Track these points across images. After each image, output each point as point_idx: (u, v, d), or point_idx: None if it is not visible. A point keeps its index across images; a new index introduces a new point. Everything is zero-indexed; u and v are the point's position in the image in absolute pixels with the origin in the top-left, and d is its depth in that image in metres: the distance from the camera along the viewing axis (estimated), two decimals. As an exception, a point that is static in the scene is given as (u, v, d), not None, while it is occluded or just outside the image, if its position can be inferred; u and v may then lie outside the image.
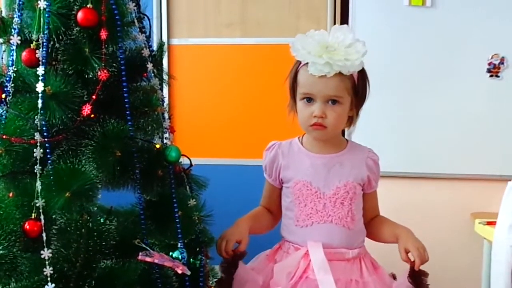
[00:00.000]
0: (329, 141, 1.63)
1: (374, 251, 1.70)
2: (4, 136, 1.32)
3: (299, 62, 1.58)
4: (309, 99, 1.55)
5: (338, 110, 1.55)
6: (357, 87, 1.57)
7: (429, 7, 2.88)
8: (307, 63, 1.53)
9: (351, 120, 1.63)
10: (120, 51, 1.38)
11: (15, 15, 1.38)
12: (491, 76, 2.89)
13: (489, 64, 2.89)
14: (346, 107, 1.57)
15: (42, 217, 1.28)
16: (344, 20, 2.93)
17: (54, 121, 1.33)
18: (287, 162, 1.65)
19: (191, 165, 1.60)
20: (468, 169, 2.97)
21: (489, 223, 2.59)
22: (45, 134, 1.32)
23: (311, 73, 1.51)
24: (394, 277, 1.66)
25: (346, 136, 1.89)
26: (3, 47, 1.46)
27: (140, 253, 1.37)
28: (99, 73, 1.34)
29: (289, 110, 1.65)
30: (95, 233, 1.29)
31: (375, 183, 1.68)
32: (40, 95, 1.30)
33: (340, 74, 1.51)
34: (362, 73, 1.58)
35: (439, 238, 2.88)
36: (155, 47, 1.61)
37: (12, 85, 1.38)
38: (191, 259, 1.52)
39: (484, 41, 2.88)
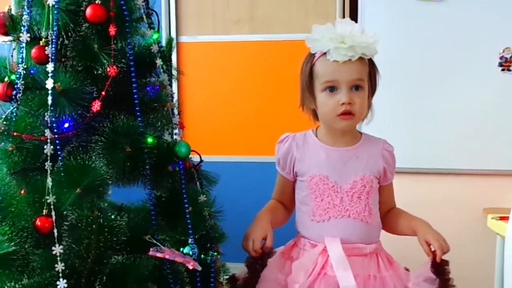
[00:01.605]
0: (345, 134, 1.62)
1: (386, 245, 1.69)
2: (15, 133, 1.32)
3: (313, 56, 1.57)
4: (332, 89, 1.53)
5: (362, 95, 1.54)
6: (370, 73, 1.57)
7: (439, 1, 2.85)
8: (323, 54, 1.52)
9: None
10: (129, 47, 1.38)
11: (24, 13, 1.39)
12: (502, 70, 2.87)
13: (501, 58, 2.86)
14: (367, 94, 1.56)
15: (53, 213, 1.29)
16: (353, 15, 2.92)
17: (64, 117, 1.33)
18: (301, 154, 1.63)
19: (201, 160, 1.59)
20: (481, 164, 2.95)
21: (501, 218, 2.57)
22: (55, 130, 1.32)
23: (334, 59, 1.50)
24: (407, 271, 1.65)
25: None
26: (13, 44, 1.46)
27: (151, 249, 1.37)
28: (108, 69, 1.34)
29: (303, 109, 1.63)
30: (106, 229, 1.29)
31: (391, 174, 1.66)
32: (50, 91, 1.31)
33: (360, 58, 1.51)
34: (372, 61, 1.58)
35: (451, 234, 2.83)
36: (163, 44, 1.61)
37: (22, 82, 1.38)
38: (202, 255, 1.52)
39: (496, 35, 2.85)
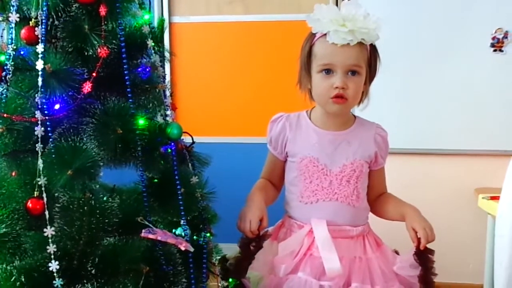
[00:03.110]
0: (339, 117, 1.61)
1: (376, 227, 1.70)
2: (5, 115, 1.31)
3: (313, 36, 1.55)
4: (328, 71, 1.52)
5: (357, 81, 1.53)
6: (370, 59, 1.56)
7: (432, -19, 2.85)
8: (324, 34, 1.51)
9: (362, 95, 1.61)
10: (120, 27, 1.37)
11: (13, -8, 1.37)
12: (494, 50, 2.87)
13: (493, 38, 2.87)
14: (363, 80, 1.55)
15: (44, 195, 1.28)
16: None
17: (54, 99, 1.32)
18: (294, 135, 1.63)
19: (193, 142, 1.59)
20: (472, 145, 2.96)
21: (492, 198, 2.59)
22: (46, 112, 1.31)
23: (333, 42, 1.48)
24: (397, 253, 1.66)
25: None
26: (3, 25, 1.44)
27: (143, 230, 1.37)
28: (99, 50, 1.33)
29: (300, 87, 1.62)
30: (98, 211, 1.28)
31: (383, 159, 1.66)
32: (40, 73, 1.29)
33: (359, 44, 1.50)
34: (374, 47, 1.57)
35: (443, 214, 2.89)
36: (155, 25, 1.59)
37: (12, 63, 1.36)
38: (194, 236, 1.52)
39: (488, 16, 2.85)
